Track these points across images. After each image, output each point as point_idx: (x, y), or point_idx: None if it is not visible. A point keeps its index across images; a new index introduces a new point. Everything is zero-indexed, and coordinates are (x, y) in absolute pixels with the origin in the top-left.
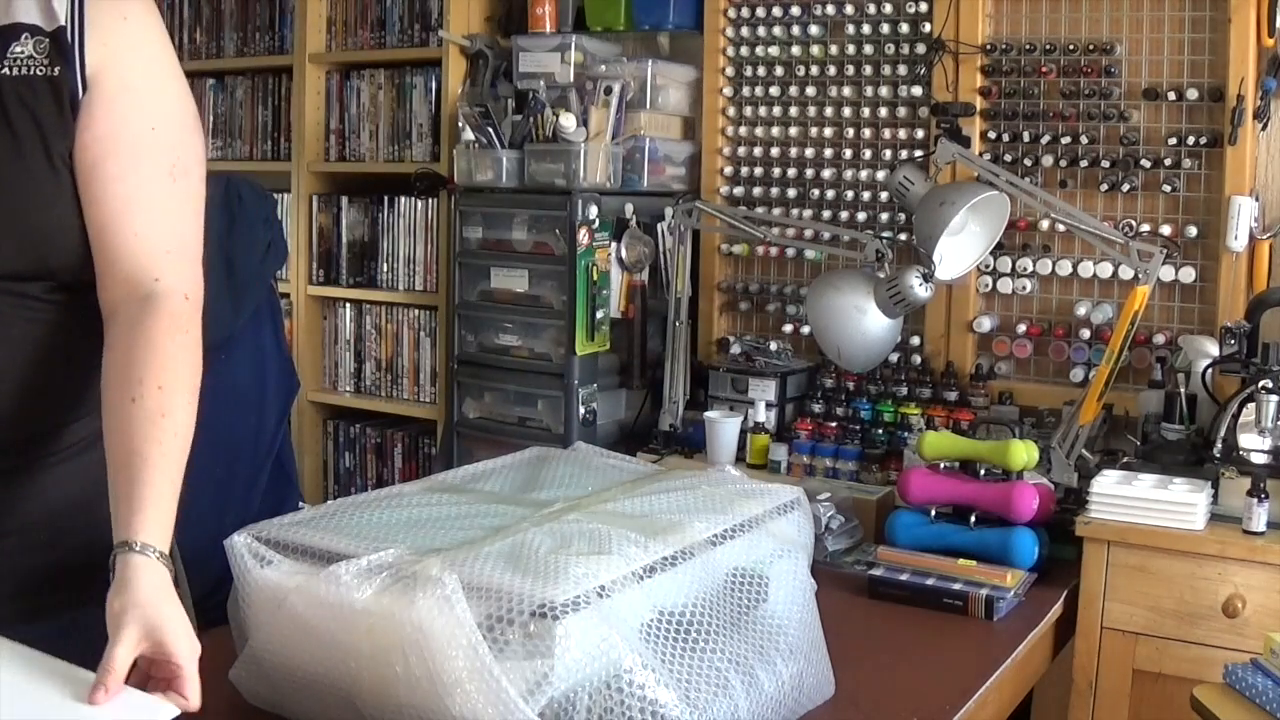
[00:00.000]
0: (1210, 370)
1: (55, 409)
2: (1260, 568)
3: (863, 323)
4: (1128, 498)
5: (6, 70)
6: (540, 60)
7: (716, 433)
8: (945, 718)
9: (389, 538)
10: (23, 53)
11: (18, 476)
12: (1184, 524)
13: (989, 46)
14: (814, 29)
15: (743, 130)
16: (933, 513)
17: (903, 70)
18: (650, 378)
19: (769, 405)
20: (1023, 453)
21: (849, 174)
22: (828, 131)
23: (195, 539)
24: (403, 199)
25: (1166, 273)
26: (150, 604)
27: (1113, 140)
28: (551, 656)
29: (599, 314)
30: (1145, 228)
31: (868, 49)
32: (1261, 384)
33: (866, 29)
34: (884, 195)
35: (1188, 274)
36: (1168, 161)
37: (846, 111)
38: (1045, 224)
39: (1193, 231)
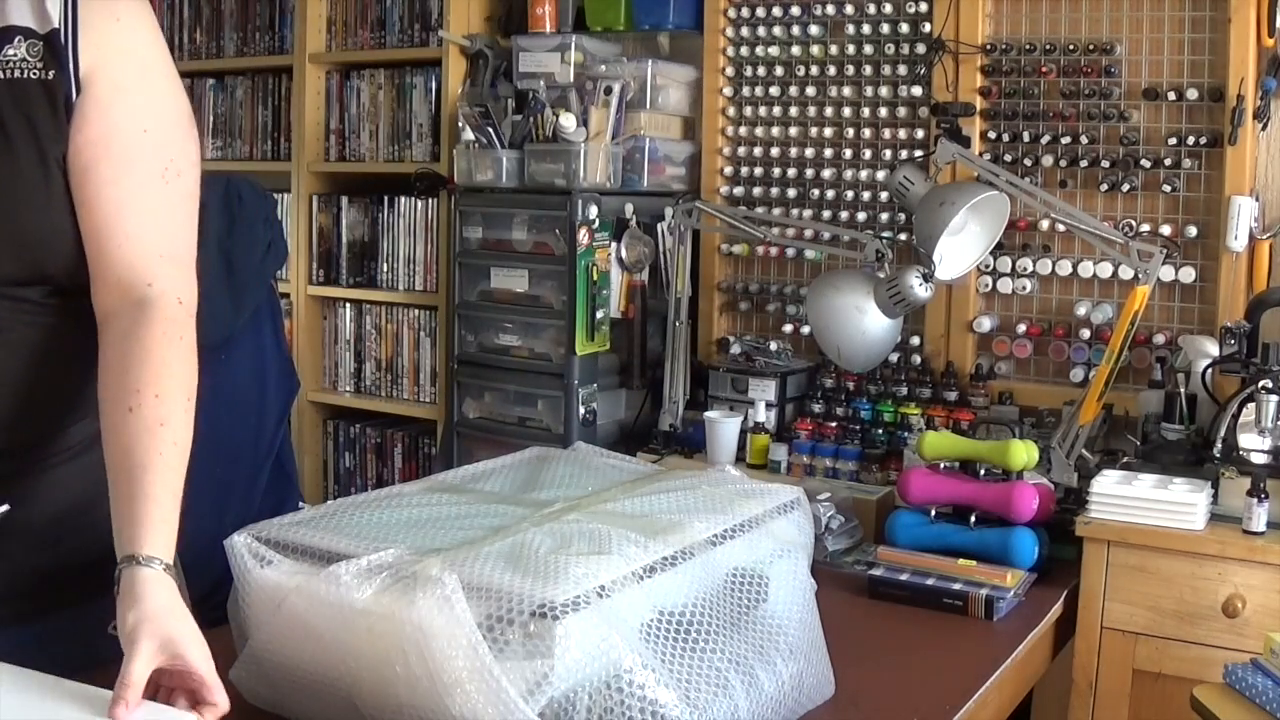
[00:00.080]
0: (1210, 370)
1: (55, 412)
2: (1260, 568)
3: (863, 323)
4: (1128, 498)
5: (0, 74)
6: (540, 60)
7: (716, 433)
8: (945, 718)
9: (389, 538)
10: (16, 56)
11: (19, 480)
12: (1184, 524)
13: (989, 46)
14: (814, 29)
15: (743, 130)
16: (933, 513)
17: (903, 70)
18: (650, 378)
19: (769, 405)
20: (1023, 453)
21: (849, 174)
22: (828, 131)
23: (195, 539)
24: (403, 199)
25: (1166, 273)
26: (163, 617)
27: (1113, 140)
28: (551, 656)
29: (599, 314)
30: (1145, 228)
31: (868, 49)
32: (1261, 384)
33: (866, 29)
34: (884, 195)
35: (1188, 274)
36: (1168, 161)
37: (846, 111)
38: (1045, 224)
39: (1193, 231)
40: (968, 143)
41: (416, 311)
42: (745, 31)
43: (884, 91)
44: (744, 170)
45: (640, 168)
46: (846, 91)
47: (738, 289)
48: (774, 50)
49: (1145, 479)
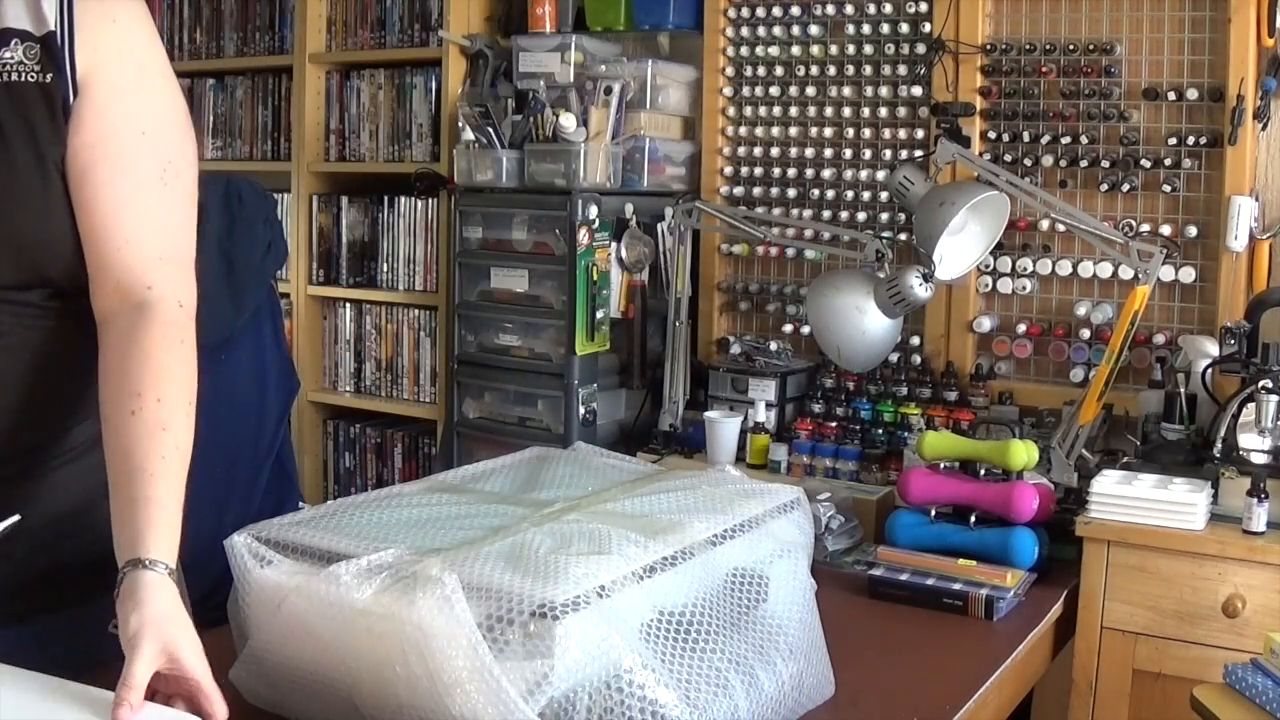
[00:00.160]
0: (1210, 370)
1: (57, 415)
2: (1260, 568)
3: (863, 323)
4: (1128, 498)
5: None
6: (540, 60)
7: (716, 433)
8: (945, 718)
9: (389, 538)
10: (13, 59)
11: (21, 482)
12: (1184, 524)
13: (989, 46)
14: (814, 29)
15: (743, 130)
16: (933, 513)
17: (903, 70)
18: (650, 378)
19: (769, 405)
20: (1023, 453)
21: (849, 174)
22: (828, 131)
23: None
24: (403, 199)
25: (1166, 273)
26: (165, 622)
27: (1113, 140)
28: (551, 656)
29: (599, 314)
30: (1145, 228)
31: (868, 49)
32: (1261, 384)
33: (866, 29)
34: (884, 195)
35: (1188, 274)
36: (1168, 161)
37: (846, 111)
38: (1045, 224)
39: (1193, 231)
40: (968, 143)
41: (416, 311)
42: (745, 31)
43: (884, 91)
44: (744, 170)
45: (640, 168)
46: (846, 91)
47: (738, 289)
48: (774, 50)
49: (1145, 479)
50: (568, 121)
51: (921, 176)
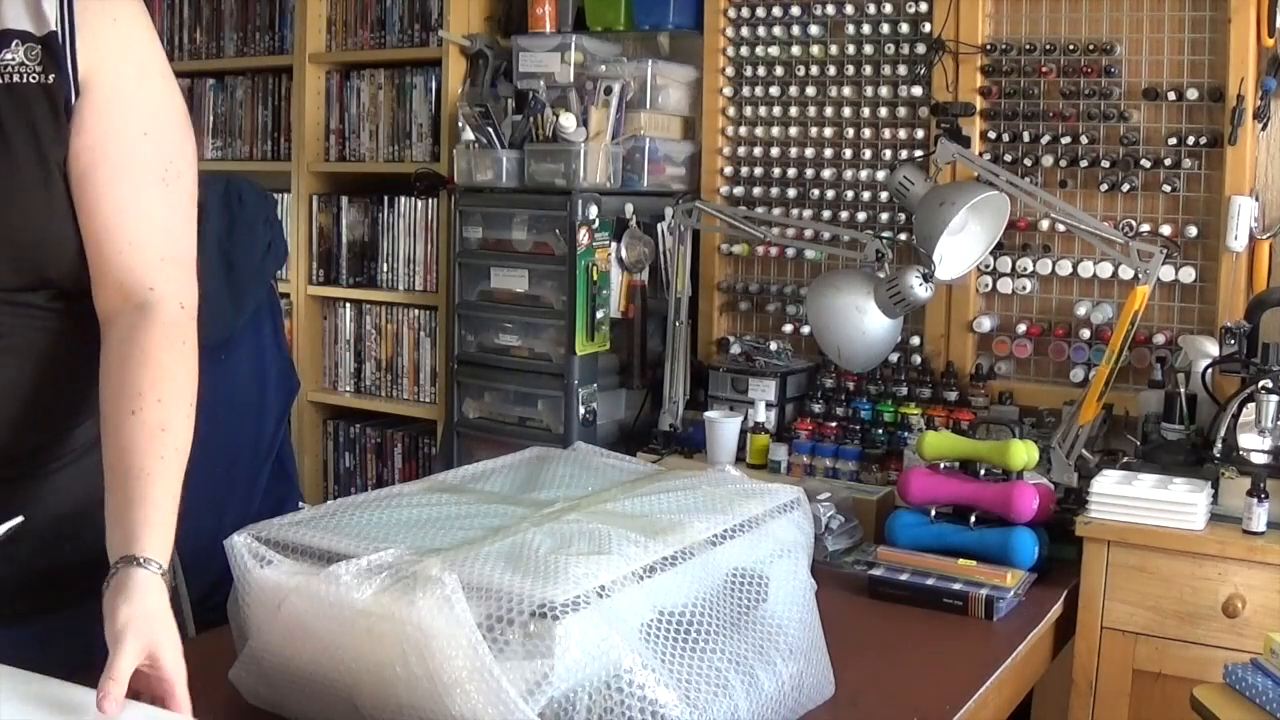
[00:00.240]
0: (1210, 370)
1: (60, 416)
2: (1260, 568)
3: (863, 323)
4: (1128, 498)
5: None
6: (540, 60)
7: (716, 433)
8: (945, 718)
9: (389, 538)
10: (14, 60)
11: (23, 483)
12: (1184, 524)
13: (989, 46)
14: (814, 29)
15: (743, 130)
16: (933, 513)
17: (903, 70)
18: (650, 378)
19: (769, 405)
20: (1023, 453)
21: (849, 174)
22: (828, 131)
23: (195, 539)
24: (403, 199)
25: (1166, 273)
26: (152, 619)
27: (1113, 140)
28: (551, 656)
29: (599, 314)
30: (1145, 228)
31: (868, 49)
32: (1261, 384)
33: (866, 29)
34: (884, 195)
35: (1188, 274)
36: (1168, 161)
37: (846, 111)
38: (1045, 224)
39: (1193, 231)
40: (968, 143)
41: (416, 311)
42: (745, 31)
43: (884, 91)
44: (744, 170)
45: (640, 168)
46: (846, 91)
47: (738, 289)
48: (774, 50)
49: (1145, 479)
50: (568, 121)
51: (921, 176)
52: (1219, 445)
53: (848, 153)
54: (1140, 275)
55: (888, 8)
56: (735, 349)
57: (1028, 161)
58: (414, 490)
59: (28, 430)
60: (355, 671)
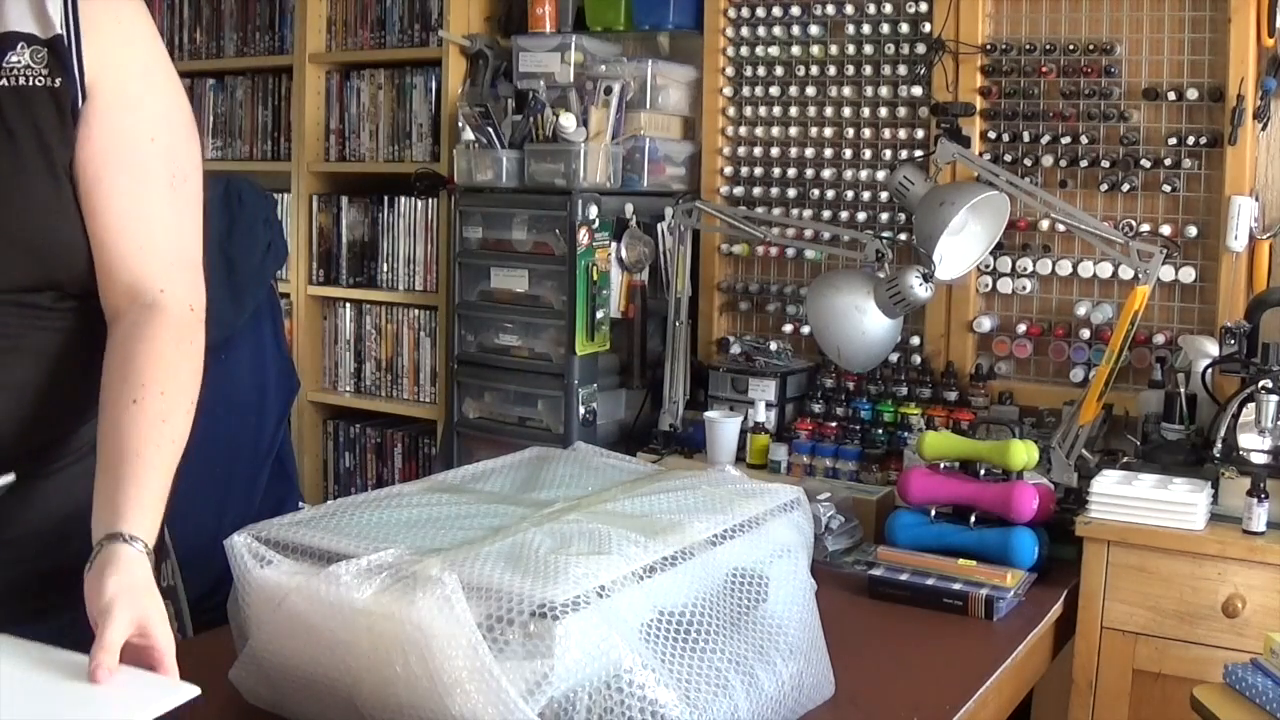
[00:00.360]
0: (1210, 370)
1: (67, 416)
2: (1260, 568)
3: (863, 323)
4: (1128, 498)
5: (4, 82)
6: (540, 60)
7: (716, 433)
8: (945, 718)
9: (389, 538)
10: (19, 63)
11: (31, 482)
12: (1184, 524)
13: (989, 46)
14: (814, 29)
15: (743, 130)
16: (933, 513)
17: (903, 70)
18: (650, 378)
19: (769, 405)
20: (1023, 453)
21: (849, 174)
22: (828, 131)
23: (195, 539)
24: (403, 199)
25: (1166, 273)
26: (141, 591)
27: (1113, 140)
28: (551, 656)
29: (599, 314)
30: (1145, 228)
31: (868, 49)
32: (1261, 384)
33: (866, 29)
34: (884, 195)
35: (1188, 274)
36: (1168, 161)
37: (846, 111)
38: (1045, 224)
39: (1193, 231)
40: (968, 143)
41: (416, 311)
42: (745, 31)
43: (884, 91)
44: (744, 170)
45: (640, 168)
46: (846, 91)
47: (738, 289)
48: (774, 50)
49: (1145, 479)
50: (568, 121)
51: (921, 176)
52: (1219, 445)
53: (848, 153)
54: (1140, 275)
55: (888, 8)
56: (735, 349)
57: (1028, 161)
58: (414, 490)
59: (34, 429)
60: (355, 671)
